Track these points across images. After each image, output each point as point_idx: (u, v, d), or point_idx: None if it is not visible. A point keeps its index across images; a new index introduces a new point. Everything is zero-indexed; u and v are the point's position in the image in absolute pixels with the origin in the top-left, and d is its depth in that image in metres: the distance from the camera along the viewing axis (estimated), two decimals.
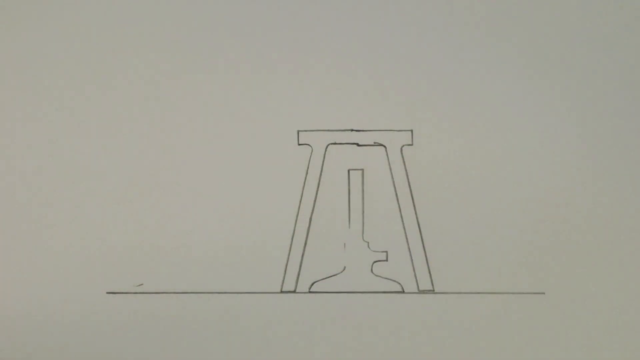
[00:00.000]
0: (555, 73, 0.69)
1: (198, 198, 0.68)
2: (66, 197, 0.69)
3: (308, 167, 0.69)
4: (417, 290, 0.68)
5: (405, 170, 0.69)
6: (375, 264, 0.68)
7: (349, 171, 0.69)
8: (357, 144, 0.69)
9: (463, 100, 0.69)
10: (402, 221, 0.68)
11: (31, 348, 0.68)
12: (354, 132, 0.69)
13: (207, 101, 0.69)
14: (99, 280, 0.68)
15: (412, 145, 0.69)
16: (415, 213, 0.68)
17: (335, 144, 0.69)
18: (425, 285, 0.68)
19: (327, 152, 0.69)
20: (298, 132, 0.69)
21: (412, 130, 0.69)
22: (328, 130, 0.69)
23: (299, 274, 0.68)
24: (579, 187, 0.68)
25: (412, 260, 0.68)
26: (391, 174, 0.69)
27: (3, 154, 0.69)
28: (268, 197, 0.68)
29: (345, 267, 0.68)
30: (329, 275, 0.68)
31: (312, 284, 0.68)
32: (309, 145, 0.69)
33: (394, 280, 0.68)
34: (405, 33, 0.69)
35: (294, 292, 0.68)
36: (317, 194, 0.69)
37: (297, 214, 0.68)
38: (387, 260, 0.68)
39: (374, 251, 0.68)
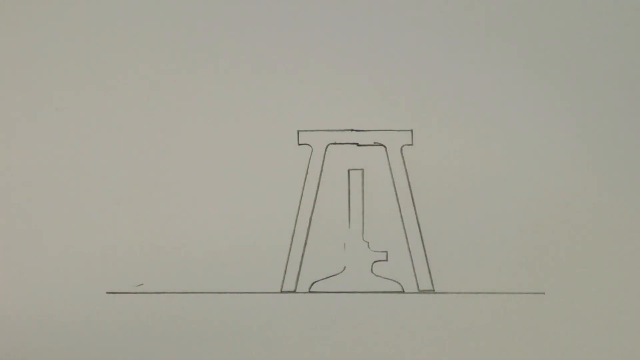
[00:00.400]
0: (555, 73, 0.69)
1: (198, 198, 0.68)
2: (66, 197, 0.69)
3: (308, 167, 0.69)
4: (417, 290, 0.68)
5: (405, 170, 0.68)
6: (375, 264, 0.68)
7: (349, 171, 0.69)
8: (357, 144, 0.69)
9: (463, 100, 0.68)
10: (402, 221, 0.68)
11: (31, 348, 0.68)
12: (354, 132, 0.69)
13: (207, 101, 0.69)
14: (99, 280, 0.68)
15: (412, 145, 0.69)
16: (415, 213, 0.68)
17: (335, 144, 0.69)
18: (425, 285, 0.68)
19: (327, 152, 0.69)
20: (298, 132, 0.69)
21: (412, 130, 0.69)
22: (328, 130, 0.69)
23: (299, 274, 0.68)
24: (579, 187, 0.68)
25: (412, 260, 0.68)
26: (391, 174, 0.69)
27: (3, 154, 0.69)
28: (268, 197, 0.68)
29: (345, 267, 0.68)
30: (329, 275, 0.68)
31: (312, 284, 0.68)
32: (309, 145, 0.69)
33: (394, 280, 0.68)
34: (405, 33, 0.69)
35: (294, 292, 0.68)
36: (317, 194, 0.69)
37: (297, 214, 0.68)
38: (387, 260, 0.68)
39: (374, 251, 0.68)
